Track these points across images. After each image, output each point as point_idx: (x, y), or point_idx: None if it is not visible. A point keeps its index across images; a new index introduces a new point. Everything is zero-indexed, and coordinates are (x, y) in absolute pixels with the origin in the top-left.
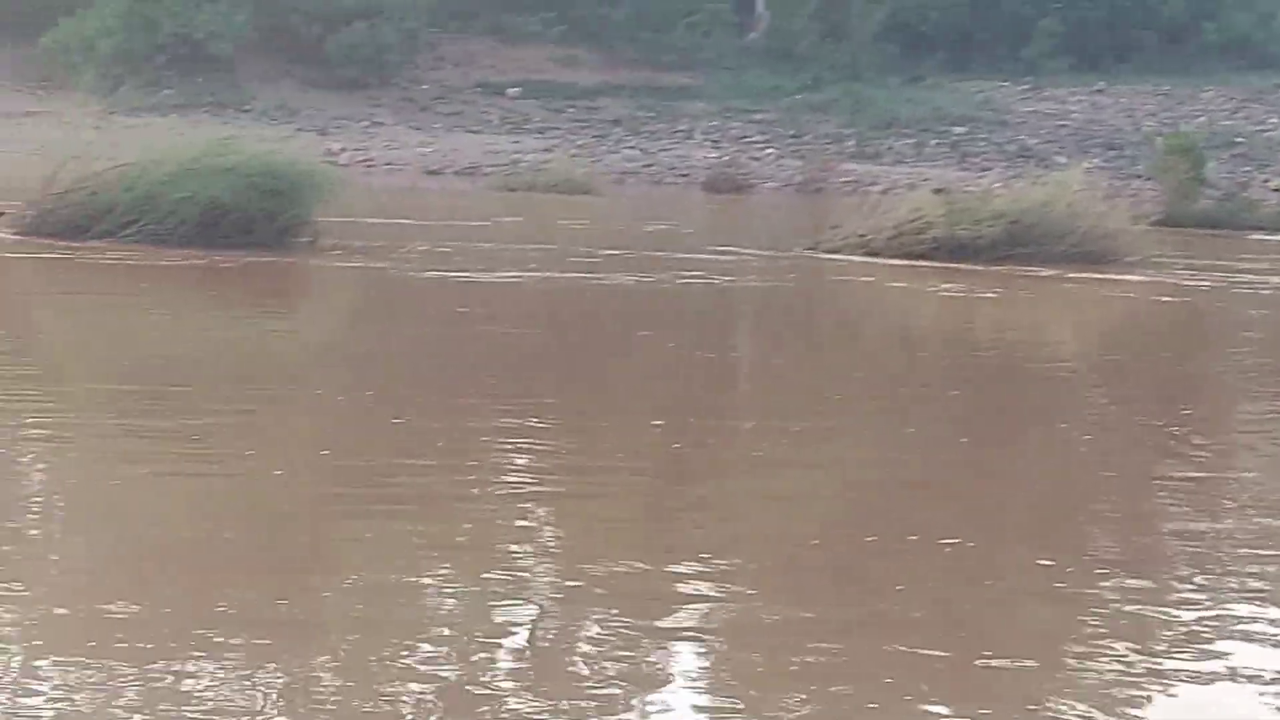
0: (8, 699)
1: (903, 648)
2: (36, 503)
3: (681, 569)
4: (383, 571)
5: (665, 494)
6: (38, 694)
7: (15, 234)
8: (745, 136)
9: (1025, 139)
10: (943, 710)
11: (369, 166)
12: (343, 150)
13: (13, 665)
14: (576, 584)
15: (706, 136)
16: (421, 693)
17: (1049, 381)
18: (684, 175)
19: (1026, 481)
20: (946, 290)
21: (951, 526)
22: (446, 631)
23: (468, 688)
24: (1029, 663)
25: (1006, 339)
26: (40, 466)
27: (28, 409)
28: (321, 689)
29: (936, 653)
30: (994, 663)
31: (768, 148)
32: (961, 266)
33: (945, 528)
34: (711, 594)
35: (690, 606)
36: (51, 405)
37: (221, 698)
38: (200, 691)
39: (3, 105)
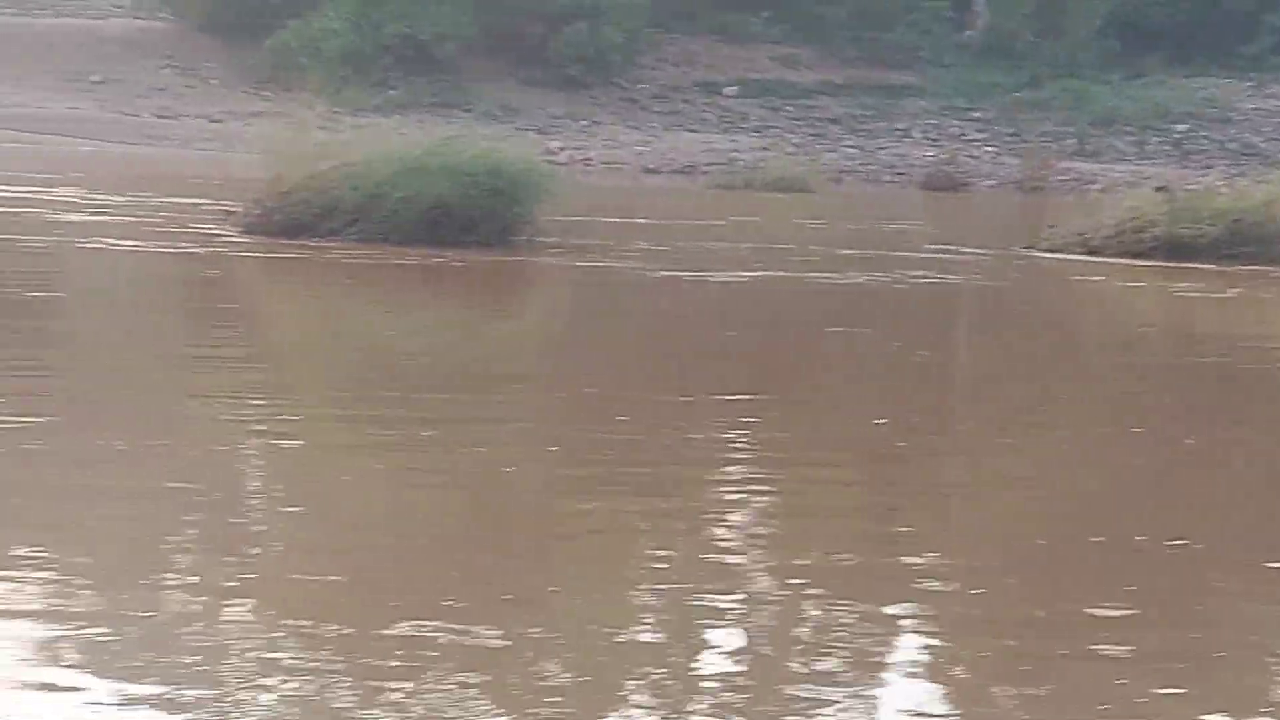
0: (232, 704)
1: (1128, 650)
2: (264, 503)
3: (901, 569)
4: (605, 569)
5: (885, 494)
6: (264, 694)
7: (242, 233)
8: (964, 134)
9: (1249, 136)
10: (1169, 713)
11: (588, 165)
12: (562, 149)
13: (241, 665)
14: (796, 580)
15: (925, 134)
16: (641, 684)
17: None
18: (902, 174)
19: (1254, 484)
20: (1176, 289)
21: (1178, 528)
22: (665, 629)
23: (688, 678)
24: (1257, 666)
25: (1237, 339)
26: (269, 467)
27: (258, 409)
28: (541, 688)
29: (1163, 655)
30: (1221, 666)
31: (986, 145)
32: (1186, 265)
33: (1172, 529)
34: (932, 591)
35: (908, 600)
36: (280, 404)
37: (440, 698)
38: (421, 693)
39: (230, 106)
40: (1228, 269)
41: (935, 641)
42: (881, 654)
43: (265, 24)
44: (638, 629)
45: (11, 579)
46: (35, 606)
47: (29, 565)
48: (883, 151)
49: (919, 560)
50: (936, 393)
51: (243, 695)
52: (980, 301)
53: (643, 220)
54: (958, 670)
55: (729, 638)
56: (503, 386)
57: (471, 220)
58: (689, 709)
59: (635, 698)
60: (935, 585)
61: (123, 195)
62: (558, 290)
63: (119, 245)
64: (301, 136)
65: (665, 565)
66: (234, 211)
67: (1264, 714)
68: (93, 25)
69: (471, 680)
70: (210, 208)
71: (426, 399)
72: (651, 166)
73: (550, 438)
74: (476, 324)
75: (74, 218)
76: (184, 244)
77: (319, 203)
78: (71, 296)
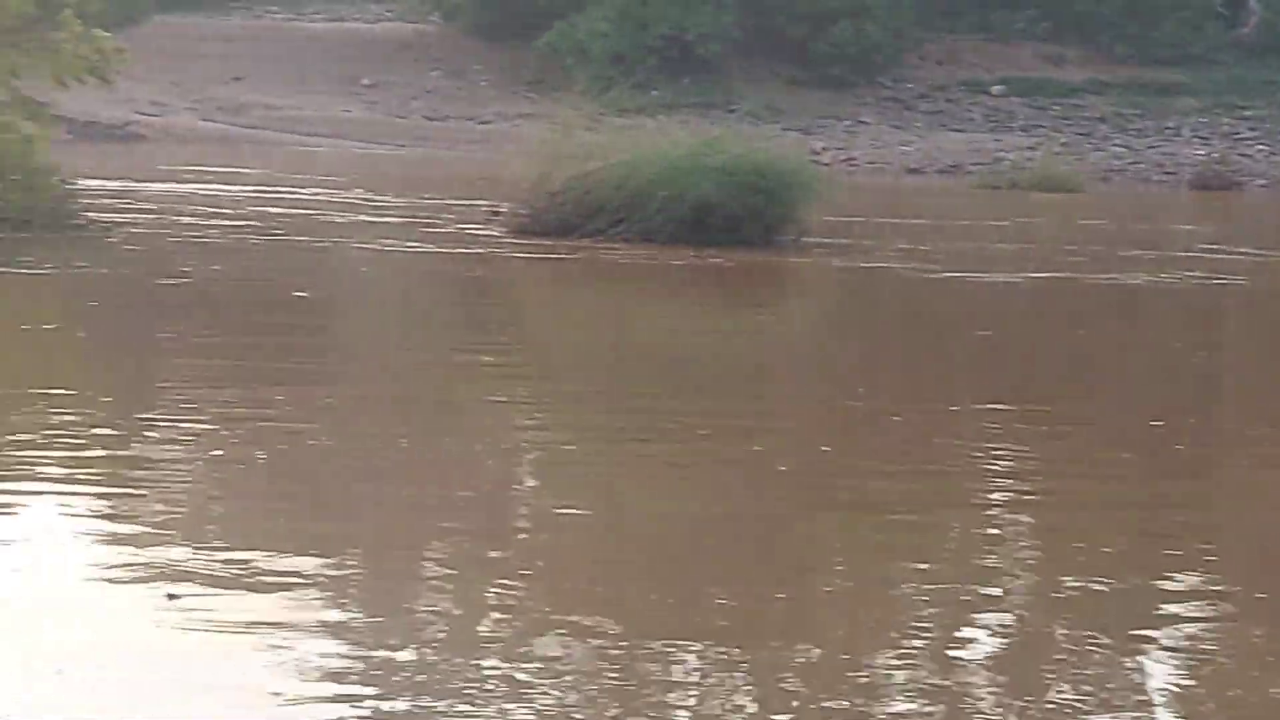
0: (496, 703)
1: None
2: (535, 506)
3: (1169, 591)
4: (863, 576)
5: (1157, 508)
6: (525, 699)
7: (509, 233)
8: (1236, 133)
9: None
10: None
11: (851, 165)
12: (826, 149)
13: (502, 667)
14: (1058, 600)
15: (1195, 133)
16: (892, 701)
17: None
18: (1171, 173)
19: None
20: None
21: None
22: (919, 641)
23: (939, 696)
24: None
25: None
26: (541, 469)
27: (521, 409)
28: (791, 693)
29: None
30: None
31: (1259, 144)
32: None
33: None
34: (1198, 611)
35: (1174, 625)
36: (545, 405)
37: (698, 700)
38: (676, 693)
39: (498, 107)
40: None
41: (1206, 673)
42: (1143, 682)
43: (532, 26)
44: (894, 642)
45: (283, 588)
46: (305, 618)
47: (302, 575)
48: (1151, 150)
49: (1190, 580)
50: (1214, 395)
51: (506, 707)
52: (1260, 303)
53: (909, 220)
54: (1226, 707)
55: (986, 657)
56: (774, 388)
57: (736, 220)
58: None
59: (883, 715)
60: (1206, 611)
61: (394, 197)
62: (826, 291)
63: (392, 246)
64: (567, 137)
65: (927, 577)
66: (501, 212)
67: None
68: (364, 29)
69: (731, 688)
70: (478, 209)
71: (700, 400)
72: (915, 166)
73: (822, 440)
74: (747, 325)
75: (347, 219)
76: (454, 245)
77: (585, 203)
78: (348, 297)
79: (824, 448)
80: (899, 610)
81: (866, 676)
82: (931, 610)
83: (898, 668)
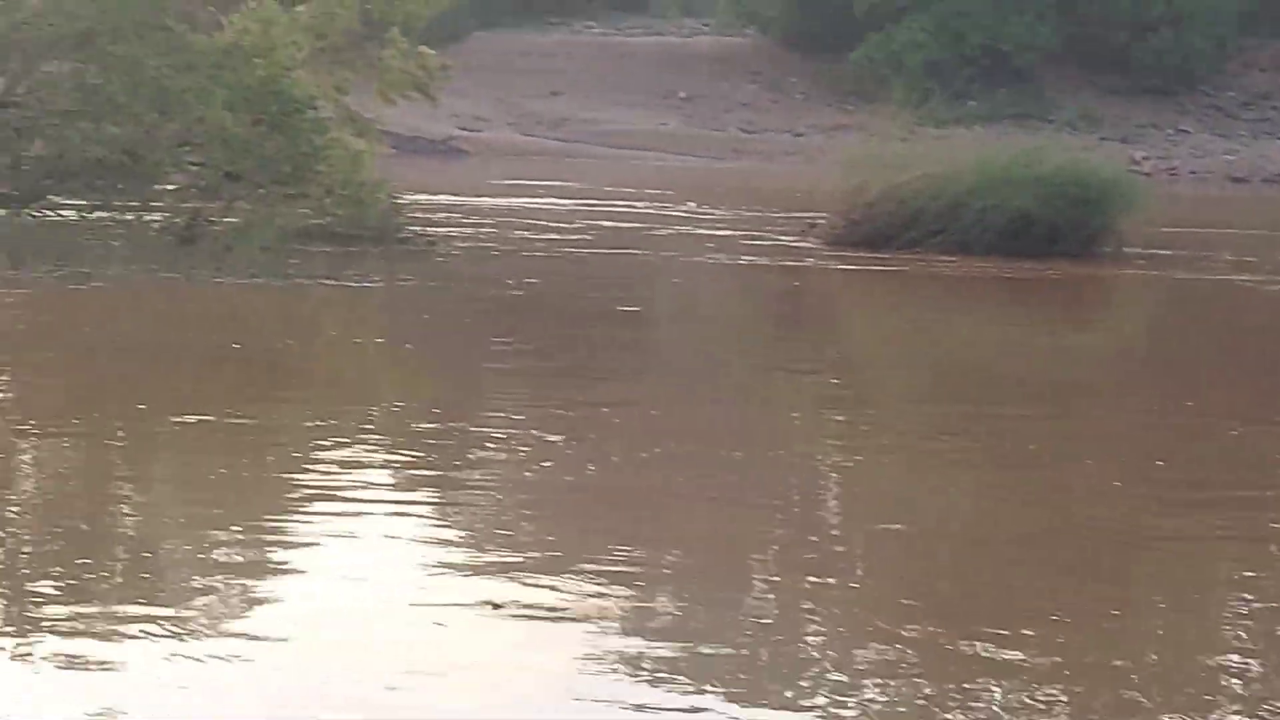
0: (818, 699)
1: None
2: (843, 515)
3: None
4: (1184, 608)
5: None
6: (831, 694)
7: (826, 245)
8: None
9: None
10: None
11: (1173, 175)
12: (1146, 159)
13: (822, 671)
14: None
15: None
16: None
17: None
18: None
19: None
20: None
21: None
22: (1233, 685)
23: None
24: None
25: None
26: (851, 478)
27: (841, 428)
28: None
29: None
30: None
31: None
32: None
33: None
34: None
35: None
36: (869, 422)
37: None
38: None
39: (813, 120)
40: None
41: None
42: None
43: (848, 38)
44: (1210, 683)
45: (588, 595)
46: (615, 645)
47: (615, 598)
48: None
49: None
50: None
51: (819, 706)
52: None
53: (1235, 230)
54: None
55: None
56: (1108, 400)
57: (1055, 231)
58: None
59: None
60: None
61: (711, 209)
62: (1140, 302)
63: (714, 259)
64: (884, 149)
65: (1248, 609)
66: (817, 224)
67: None
68: (680, 43)
69: (1040, 695)
70: (796, 221)
71: (1030, 415)
72: (1239, 175)
73: (1155, 453)
74: (1079, 337)
75: (670, 231)
76: (774, 257)
77: (901, 214)
78: (673, 311)
79: (1158, 460)
80: (1218, 646)
81: (1181, 715)
82: (1251, 648)
83: (1206, 707)
